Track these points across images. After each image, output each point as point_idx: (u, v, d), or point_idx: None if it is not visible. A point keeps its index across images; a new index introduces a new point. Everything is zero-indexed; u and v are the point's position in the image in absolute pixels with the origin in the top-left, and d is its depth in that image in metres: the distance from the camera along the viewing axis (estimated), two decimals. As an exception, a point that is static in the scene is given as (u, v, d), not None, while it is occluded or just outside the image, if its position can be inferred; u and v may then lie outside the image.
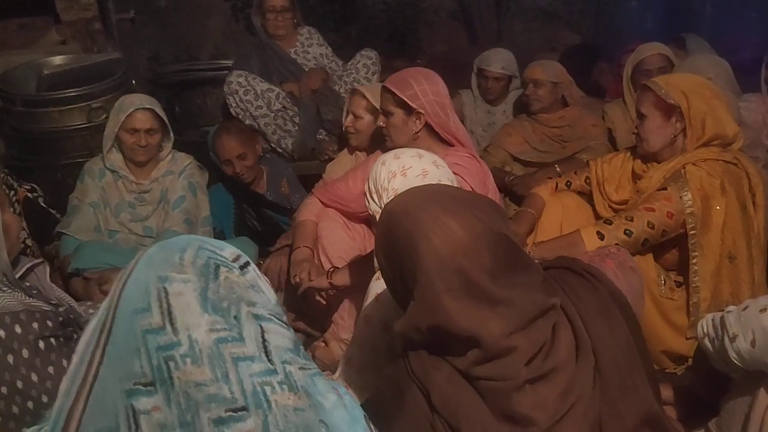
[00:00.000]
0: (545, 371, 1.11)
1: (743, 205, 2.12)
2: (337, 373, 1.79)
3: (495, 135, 3.43)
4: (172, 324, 0.88)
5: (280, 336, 0.93)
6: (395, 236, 1.18)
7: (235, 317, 0.91)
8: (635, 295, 1.89)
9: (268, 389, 0.89)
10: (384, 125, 2.37)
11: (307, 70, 3.58)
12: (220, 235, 3.09)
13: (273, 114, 3.49)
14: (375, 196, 1.76)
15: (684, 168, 2.14)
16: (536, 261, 1.26)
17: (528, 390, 1.10)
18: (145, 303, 0.89)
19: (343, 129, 2.91)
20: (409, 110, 2.30)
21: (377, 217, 1.57)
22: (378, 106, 2.64)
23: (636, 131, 2.27)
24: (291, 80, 3.57)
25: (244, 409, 0.87)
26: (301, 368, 0.93)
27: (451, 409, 1.11)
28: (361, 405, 1.02)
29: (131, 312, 0.89)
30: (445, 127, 2.32)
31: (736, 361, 1.44)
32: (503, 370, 1.10)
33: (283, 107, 3.49)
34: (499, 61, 3.57)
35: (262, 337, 0.92)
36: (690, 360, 2.11)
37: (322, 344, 2.40)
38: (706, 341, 1.57)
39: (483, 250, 1.12)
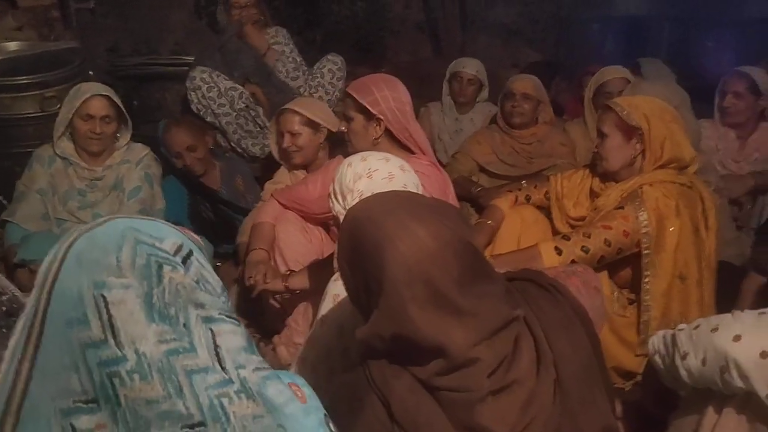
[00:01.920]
0: (507, 383, 1.11)
1: (696, 227, 2.17)
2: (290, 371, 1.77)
3: (464, 142, 3.46)
4: (114, 337, 0.80)
5: (232, 336, 0.88)
6: (360, 242, 1.15)
7: (184, 325, 0.84)
8: (596, 315, 1.91)
9: (225, 401, 0.84)
10: (345, 130, 2.36)
11: (270, 68, 3.55)
12: (174, 228, 3.02)
13: (235, 113, 3.44)
14: (339, 197, 1.74)
15: (641, 188, 2.18)
16: (500, 272, 1.26)
17: (490, 402, 1.09)
18: (81, 313, 0.80)
19: (283, 150, 2.83)
20: (369, 116, 2.29)
21: (341, 218, 1.55)
22: (312, 118, 2.69)
23: (597, 150, 2.31)
24: (256, 79, 3.53)
25: (201, 424, 0.82)
26: (255, 369, 0.89)
27: (411, 419, 1.09)
28: None
29: (64, 323, 0.80)
30: (405, 134, 2.32)
31: (685, 379, 1.47)
32: (466, 381, 1.09)
33: (246, 107, 3.45)
34: (474, 65, 3.76)
35: (214, 342, 0.86)
36: (638, 376, 2.14)
37: (271, 347, 2.37)
38: (657, 358, 1.59)
39: (451, 259, 1.10)
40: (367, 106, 2.28)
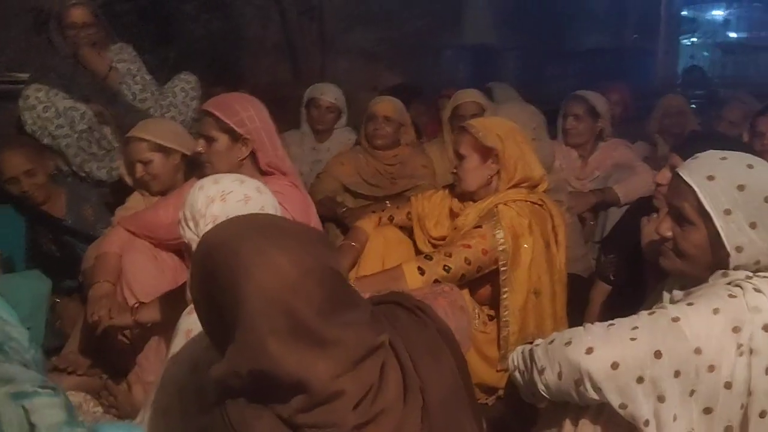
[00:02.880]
0: (373, 415, 1.06)
1: (547, 244, 2.27)
2: (138, 418, 1.62)
3: (328, 163, 3.44)
4: None
5: (49, 409, 0.79)
6: (213, 271, 1.07)
7: None
8: (463, 336, 1.93)
9: None
10: (204, 151, 2.25)
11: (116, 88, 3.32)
12: (8, 262, 2.73)
13: (76, 135, 3.16)
14: (191, 223, 1.63)
15: (496, 207, 2.25)
16: (366, 296, 1.22)
17: (355, 436, 1.04)
18: None
19: (137, 179, 2.66)
20: (235, 136, 2.21)
21: (193, 246, 1.45)
22: (161, 143, 2.55)
23: (455, 171, 2.36)
24: (99, 100, 3.29)
25: None
26: None
27: (273, 462, 1.02)
28: None
29: None
30: (271, 154, 2.26)
31: (544, 393, 1.50)
32: (330, 416, 1.03)
33: (89, 128, 3.19)
34: (331, 92, 3.70)
35: (28, 421, 0.76)
36: (501, 391, 2.19)
37: (124, 387, 2.19)
38: (517, 374, 1.61)
39: (313, 287, 1.04)
40: (234, 127, 2.19)
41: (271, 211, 1.60)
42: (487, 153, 2.29)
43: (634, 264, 2.20)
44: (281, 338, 1.02)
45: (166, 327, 1.85)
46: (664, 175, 2.09)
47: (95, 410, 2.10)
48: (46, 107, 3.10)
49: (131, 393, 2.16)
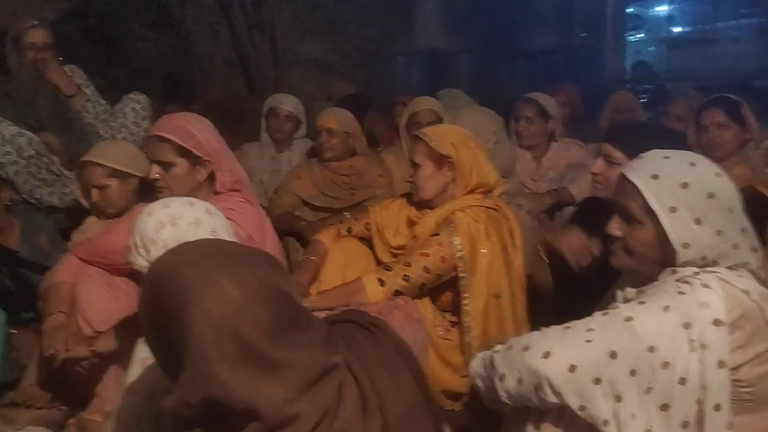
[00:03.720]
0: (332, 436, 1.06)
1: (504, 247, 2.29)
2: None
3: (285, 178, 3.43)
4: None
5: None
6: (160, 299, 1.06)
7: None
8: (420, 348, 1.94)
9: None
10: (159, 177, 2.21)
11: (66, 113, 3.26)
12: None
13: (24, 161, 3.09)
14: (143, 251, 1.60)
15: (453, 214, 2.26)
16: (323, 315, 1.21)
17: (314, 461, 1.03)
18: None
19: (93, 204, 2.59)
20: (194, 160, 2.18)
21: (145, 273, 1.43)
22: (118, 168, 2.48)
23: (411, 179, 2.37)
24: (51, 124, 3.22)
25: None
26: None
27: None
28: None
29: None
30: (229, 174, 2.24)
31: (505, 400, 1.50)
32: (286, 441, 1.03)
33: (37, 153, 3.12)
34: (290, 102, 3.74)
35: None
36: (466, 397, 2.20)
37: (88, 419, 2.13)
38: (478, 381, 1.61)
39: (260, 310, 1.04)
40: (193, 150, 2.17)
41: (222, 233, 1.58)
42: (441, 161, 2.30)
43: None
44: (230, 364, 1.01)
45: (125, 355, 1.81)
46: (599, 165, 2.12)
47: (56, 444, 2.05)
48: (-9, 135, 3.02)
49: (96, 426, 2.11)
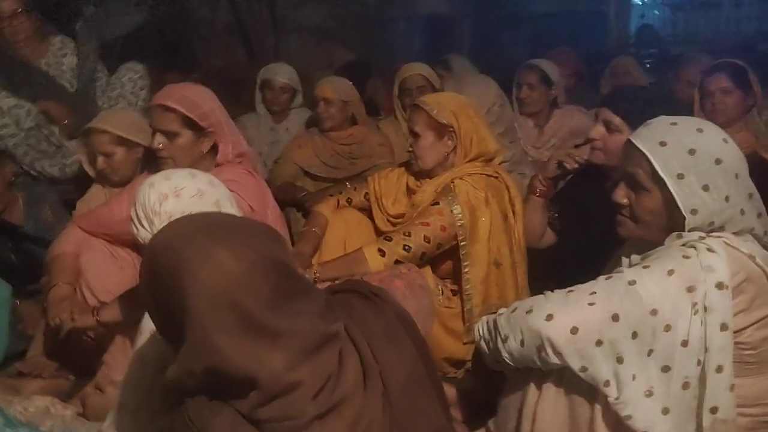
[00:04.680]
0: (334, 404, 1.07)
1: (504, 215, 2.28)
2: (107, 422, 1.61)
3: (285, 148, 3.41)
4: None
5: None
6: (159, 273, 1.07)
7: None
8: (425, 314, 1.95)
9: None
10: (163, 147, 2.19)
11: (62, 83, 3.23)
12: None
13: (24, 133, 3.08)
14: (145, 222, 1.61)
15: (453, 182, 2.26)
16: (325, 285, 1.22)
17: (317, 427, 1.04)
18: None
19: (98, 171, 2.57)
20: (199, 130, 2.17)
21: None
22: (125, 135, 2.46)
23: (411, 149, 2.35)
24: (44, 95, 3.19)
25: None
26: None
27: (234, 458, 1.02)
28: None
29: None
30: (232, 145, 2.23)
31: (508, 361, 1.53)
32: (288, 408, 1.04)
33: (37, 125, 3.10)
34: (284, 72, 3.68)
35: None
36: (468, 363, 2.22)
37: (96, 391, 2.16)
38: (483, 344, 1.64)
39: (258, 280, 1.05)
40: (198, 121, 2.15)
41: (225, 203, 1.59)
42: (442, 130, 2.28)
43: (578, 220, 2.25)
44: (230, 334, 1.03)
45: (131, 325, 1.83)
46: (598, 131, 2.12)
47: (64, 413, 2.08)
48: (-12, 108, 3.00)
49: (104, 395, 2.13)
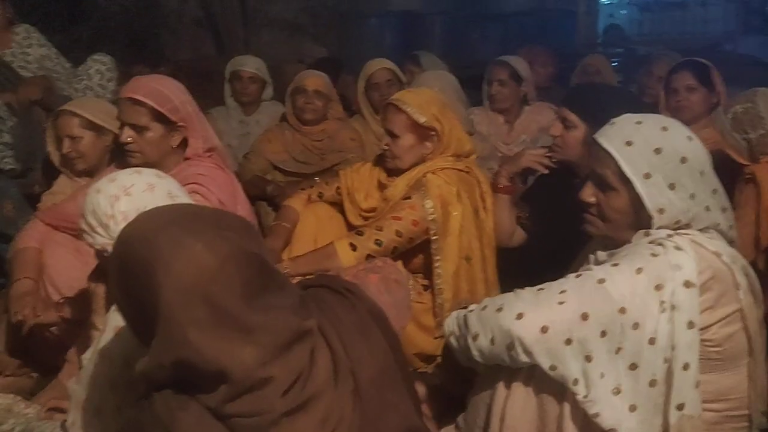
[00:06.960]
0: (303, 400, 1.06)
1: (476, 210, 2.29)
2: (69, 419, 1.58)
3: (255, 142, 3.38)
4: None
5: None
6: (130, 266, 1.05)
7: None
8: (400, 308, 1.94)
9: None
10: (132, 140, 2.14)
11: (25, 74, 3.16)
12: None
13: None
14: (100, 229, 1.56)
15: (425, 177, 2.25)
16: (296, 280, 1.21)
17: (284, 424, 1.03)
18: None
19: (63, 156, 2.48)
20: (169, 124, 2.13)
21: (109, 249, 1.40)
22: (94, 120, 2.40)
23: (387, 148, 2.31)
24: (7, 88, 3.11)
25: None
26: None
27: (199, 453, 1.01)
28: None
29: None
30: (202, 139, 2.20)
31: (478, 358, 1.53)
32: (257, 404, 1.03)
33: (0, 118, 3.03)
34: (252, 63, 3.66)
35: None
36: (439, 358, 2.22)
37: (59, 386, 2.11)
38: (452, 339, 1.64)
39: (232, 274, 1.03)
40: (168, 115, 2.11)
41: (178, 194, 1.56)
42: (424, 133, 2.25)
43: (546, 217, 2.28)
44: (201, 327, 1.01)
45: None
46: (556, 128, 2.17)
47: (27, 412, 2.03)
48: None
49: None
